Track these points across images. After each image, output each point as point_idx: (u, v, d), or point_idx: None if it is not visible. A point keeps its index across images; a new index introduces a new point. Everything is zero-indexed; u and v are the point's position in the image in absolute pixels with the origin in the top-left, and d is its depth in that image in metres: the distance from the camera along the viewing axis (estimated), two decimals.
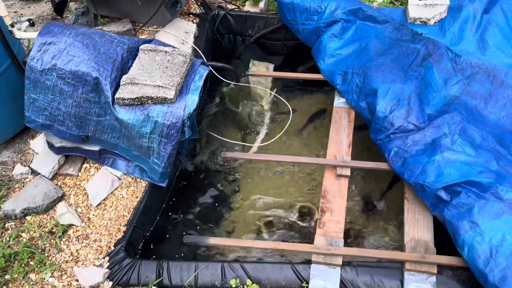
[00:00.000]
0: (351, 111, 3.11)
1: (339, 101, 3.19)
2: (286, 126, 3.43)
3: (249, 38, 4.04)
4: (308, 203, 3.07)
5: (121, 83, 2.61)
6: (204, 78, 2.76)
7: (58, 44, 2.58)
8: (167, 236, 2.95)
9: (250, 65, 3.85)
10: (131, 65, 2.75)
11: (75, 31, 2.65)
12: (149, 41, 2.92)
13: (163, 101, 2.61)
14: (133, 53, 2.79)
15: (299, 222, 2.94)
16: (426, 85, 2.95)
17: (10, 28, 2.69)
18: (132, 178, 2.95)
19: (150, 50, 2.79)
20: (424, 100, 2.89)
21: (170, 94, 2.59)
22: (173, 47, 2.80)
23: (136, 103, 2.60)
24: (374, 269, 2.40)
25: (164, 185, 2.87)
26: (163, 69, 2.70)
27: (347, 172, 2.75)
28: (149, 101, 2.60)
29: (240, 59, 4.12)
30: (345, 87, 3.12)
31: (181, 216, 3.07)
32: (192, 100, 2.66)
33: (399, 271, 2.39)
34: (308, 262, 2.46)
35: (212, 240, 2.52)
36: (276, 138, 3.34)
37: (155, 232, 2.91)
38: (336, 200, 2.66)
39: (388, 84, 2.91)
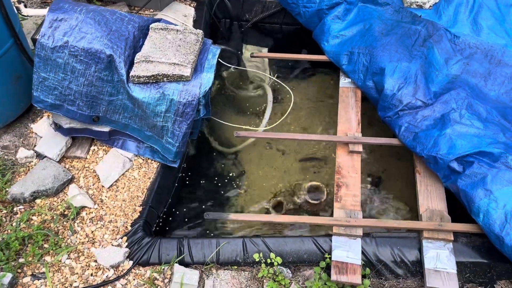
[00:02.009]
0: (357, 91, 3.18)
1: (344, 81, 3.25)
2: (289, 110, 3.45)
3: (246, 23, 4.05)
4: (316, 182, 3.11)
5: (135, 61, 2.57)
6: (217, 56, 2.75)
7: (70, 20, 2.51)
8: (179, 216, 2.93)
9: (244, 50, 3.86)
10: (142, 44, 2.71)
11: (85, 8, 2.58)
12: (158, 21, 2.88)
13: (178, 79, 2.59)
14: (143, 32, 2.75)
15: (310, 201, 2.97)
16: (429, 64, 3.05)
17: (17, 5, 2.59)
18: (143, 159, 2.91)
19: (161, 28, 2.76)
20: (428, 78, 2.98)
21: (186, 71, 2.58)
22: (185, 25, 2.77)
23: (151, 81, 2.57)
24: (392, 240, 2.48)
25: (176, 165, 2.85)
26: (176, 47, 2.67)
27: (359, 148, 2.81)
28: (165, 79, 2.58)
29: (237, 43, 4.12)
30: (351, 67, 3.18)
31: (191, 197, 3.06)
32: (207, 78, 2.65)
33: (417, 240, 2.47)
34: (327, 235, 2.51)
35: (233, 216, 2.53)
36: (278, 122, 3.37)
37: (168, 212, 2.89)
38: (350, 175, 2.71)
39: (395, 62, 2.98)
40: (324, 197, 3.00)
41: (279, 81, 3.62)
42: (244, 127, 3.31)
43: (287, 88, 3.55)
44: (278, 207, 3.03)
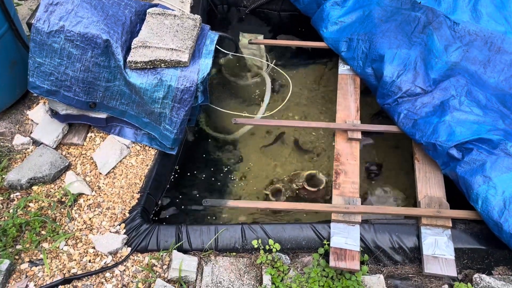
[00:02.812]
0: (356, 78, 3.16)
1: (343, 68, 3.22)
2: (287, 97, 3.43)
3: (245, 9, 4.01)
4: (314, 171, 3.11)
5: (132, 46, 2.54)
6: (215, 42, 2.72)
7: (65, 4, 2.47)
8: (177, 203, 2.92)
9: (240, 37, 3.82)
10: (139, 29, 2.67)
11: None
12: (155, 6, 2.84)
13: (176, 64, 2.56)
14: (140, 17, 2.72)
15: (308, 188, 2.97)
16: (429, 51, 3.03)
17: None
18: (141, 146, 2.89)
19: (158, 14, 2.72)
20: (428, 65, 2.96)
21: (184, 57, 2.55)
22: (182, 10, 2.74)
23: (148, 66, 2.54)
24: (391, 226, 2.48)
25: (174, 153, 2.84)
26: (173, 32, 2.64)
27: (358, 135, 2.80)
28: (162, 64, 2.55)
29: (234, 30, 4.07)
30: (350, 54, 3.15)
31: (189, 184, 3.04)
32: (205, 64, 2.62)
33: (415, 227, 2.47)
34: (326, 222, 2.50)
35: (231, 203, 2.52)
36: (276, 110, 3.35)
37: (166, 199, 2.88)
38: (349, 162, 2.70)
39: (394, 49, 2.96)
40: (322, 185, 3.00)
41: (277, 68, 3.59)
42: (242, 114, 3.29)
43: (286, 75, 3.53)
44: (276, 194, 3.03)
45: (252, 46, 3.82)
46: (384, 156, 3.22)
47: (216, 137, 3.34)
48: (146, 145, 2.88)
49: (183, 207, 2.93)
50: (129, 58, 2.51)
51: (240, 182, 3.09)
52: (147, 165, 2.80)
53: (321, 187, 3.00)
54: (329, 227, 2.45)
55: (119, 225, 2.51)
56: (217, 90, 3.62)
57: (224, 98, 3.57)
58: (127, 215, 2.56)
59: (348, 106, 2.99)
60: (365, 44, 3.08)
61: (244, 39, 3.81)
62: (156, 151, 2.87)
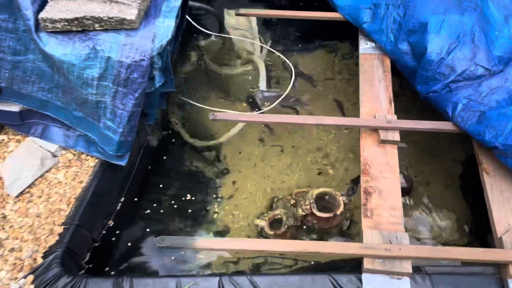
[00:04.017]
0: (385, 58, 2.27)
1: (366, 46, 2.33)
2: (288, 89, 2.54)
3: None
4: (325, 189, 2.17)
5: None
6: None
7: None
8: (130, 241, 1.98)
9: (226, 15, 2.93)
10: None
11: None
12: None
13: (119, 25, 1.66)
14: None
15: (319, 214, 2.04)
16: (486, 21, 2.14)
17: None
18: (75, 154, 1.97)
19: None
20: (487, 39, 2.07)
21: (131, 13, 1.65)
22: None
23: (75, 28, 1.64)
24: (458, 278, 1.55)
25: (123, 163, 1.92)
26: None
27: (395, 136, 1.90)
28: (97, 25, 1.64)
29: (218, 6, 3.17)
30: (376, 25, 2.27)
31: (150, 211, 2.11)
32: (165, 27, 1.72)
33: (496, 279, 1.54)
34: (354, 271, 1.58)
35: (202, 243, 1.58)
36: (273, 105, 2.45)
37: (111, 235, 1.94)
38: (384, 177, 1.79)
39: (441, 15, 2.07)
40: (339, 209, 2.06)
41: (274, 51, 2.71)
42: (227, 111, 2.38)
43: (286, 60, 2.64)
44: (275, 224, 2.10)
45: (242, 26, 2.94)
46: (418, 166, 2.30)
47: (193, 144, 2.42)
48: (82, 152, 1.96)
49: (140, 245, 1.99)
50: (42, 15, 1.60)
51: (226, 205, 2.16)
52: (81, 182, 1.88)
53: (337, 212, 2.06)
54: (360, 281, 1.52)
55: (25, 277, 1.58)
56: (195, 80, 2.72)
57: (205, 91, 2.66)
58: (40, 260, 1.62)
59: (376, 97, 2.09)
60: (398, 9, 2.19)
61: (231, 17, 2.92)
62: (97, 161, 1.95)
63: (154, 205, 2.13)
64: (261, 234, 2.07)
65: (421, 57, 2.07)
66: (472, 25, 2.06)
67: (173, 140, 2.42)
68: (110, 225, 1.94)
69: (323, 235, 2.11)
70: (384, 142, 1.89)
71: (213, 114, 1.95)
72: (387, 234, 1.60)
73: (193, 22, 2.64)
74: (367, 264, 1.52)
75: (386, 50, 2.24)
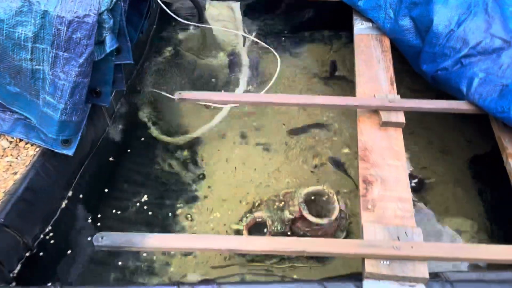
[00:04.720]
0: (383, 38, 1.97)
1: (361, 27, 2.04)
2: (274, 79, 2.22)
3: None
4: (317, 187, 1.80)
5: None
6: None
7: None
8: (76, 250, 1.61)
9: (207, 5, 2.66)
10: None
11: None
12: None
13: None
14: None
15: (310, 218, 1.67)
16: None
17: None
18: (11, 142, 1.62)
19: None
20: (502, 11, 1.78)
21: None
22: None
23: None
24: (485, 287, 1.18)
25: (70, 152, 1.57)
26: None
27: (399, 117, 1.57)
28: None
29: None
30: (373, 2, 1.99)
31: (104, 214, 1.74)
32: None
33: None
34: (353, 277, 1.21)
35: (155, 241, 1.22)
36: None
37: (55, 239, 1.57)
38: (388, 163, 1.45)
39: None
40: (335, 213, 1.69)
41: (258, 40, 2.41)
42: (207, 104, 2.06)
43: (272, 50, 2.34)
44: (256, 229, 1.73)
45: (225, 17, 2.66)
46: (428, 163, 1.95)
47: (164, 141, 2.07)
48: (19, 138, 1.62)
49: (89, 255, 1.61)
50: None
51: (201, 211, 1.80)
52: (16, 174, 1.52)
53: (332, 217, 1.69)
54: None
55: None
56: (173, 73, 2.41)
57: (183, 85, 2.34)
58: None
59: (375, 77, 1.78)
60: None
61: (213, 8, 2.66)
62: (38, 149, 1.60)
63: (112, 208, 1.76)
64: None
65: (426, 32, 1.78)
66: None
67: (141, 135, 2.07)
68: (50, 229, 1.57)
69: None
70: (386, 124, 1.57)
71: (179, 93, 1.61)
72: (394, 229, 1.24)
73: (168, 11, 2.35)
74: (369, 267, 1.16)
75: (385, 28, 1.95)
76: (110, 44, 1.43)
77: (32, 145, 1.61)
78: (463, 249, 1.19)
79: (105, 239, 1.19)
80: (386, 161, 1.45)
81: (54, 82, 1.41)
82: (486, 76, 1.56)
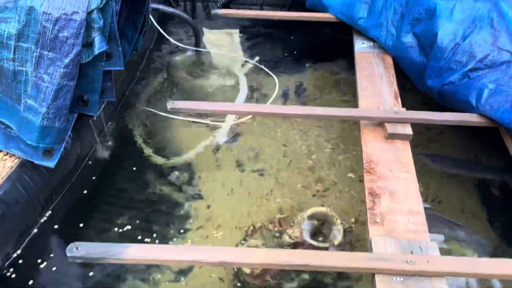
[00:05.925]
0: (385, 56, 1.91)
1: (362, 45, 1.99)
2: (271, 100, 2.14)
3: (215, 4, 2.87)
4: (319, 208, 1.67)
5: None
6: None
7: None
8: (53, 265, 1.45)
9: (205, 31, 2.63)
10: None
11: None
12: None
13: None
14: None
15: (312, 242, 1.53)
16: (502, 13, 1.82)
17: None
18: None
19: None
20: (507, 25, 1.73)
21: None
22: None
23: None
24: None
25: (51, 164, 1.45)
26: None
27: (406, 129, 1.47)
28: None
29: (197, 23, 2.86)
30: (374, 20, 1.95)
31: (89, 235, 1.60)
32: None
33: None
34: None
35: (134, 251, 1.07)
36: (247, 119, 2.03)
37: (28, 258, 1.42)
38: (396, 176, 1.33)
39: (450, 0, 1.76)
40: (338, 237, 1.55)
41: (257, 64, 2.36)
42: (204, 121, 1.96)
43: (270, 73, 2.28)
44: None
45: (223, 42, 2.63)
46: (435, 186, 1.82)
47: (155, 162, 1.96)
48: (0, 150, 1.51)
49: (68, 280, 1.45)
50: None
51: (195, 237, 1.65)
52: None
53: (334, 242, 1.54)
54: None
55: None
56: (167, 93, 2.33)
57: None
58: None
59: (377, 91, 1.70)
60: None
61: (210, 34, 2.63)
62: (17, 160, 1.48)
63: (95, 230, 1.62)
64: (236, 275, 1.53)
65: (430, 47, 1.72)
66: (488, 10, 1.74)
67: (131, 154, 1.96)
68: (23, 248, 1.42)
69: (316, 275, 1.58)
70: (392, 137, 1.46)
71: (172, 103, 1.52)
72: (406, 243, 1.11)
73: (167, 36, 2.32)
74: (380, 284, 1.01)
75: (387, 46, 1.90)
76: (99, 46, 1.35)
77: (10, 156, 1.49)
78: (485, 263, 1.05)
79: (81, 249, 1.05)
80: (394, 173, 1.34)
81: (37, 84, 1.32)
82: (496, 87, 1.49)
